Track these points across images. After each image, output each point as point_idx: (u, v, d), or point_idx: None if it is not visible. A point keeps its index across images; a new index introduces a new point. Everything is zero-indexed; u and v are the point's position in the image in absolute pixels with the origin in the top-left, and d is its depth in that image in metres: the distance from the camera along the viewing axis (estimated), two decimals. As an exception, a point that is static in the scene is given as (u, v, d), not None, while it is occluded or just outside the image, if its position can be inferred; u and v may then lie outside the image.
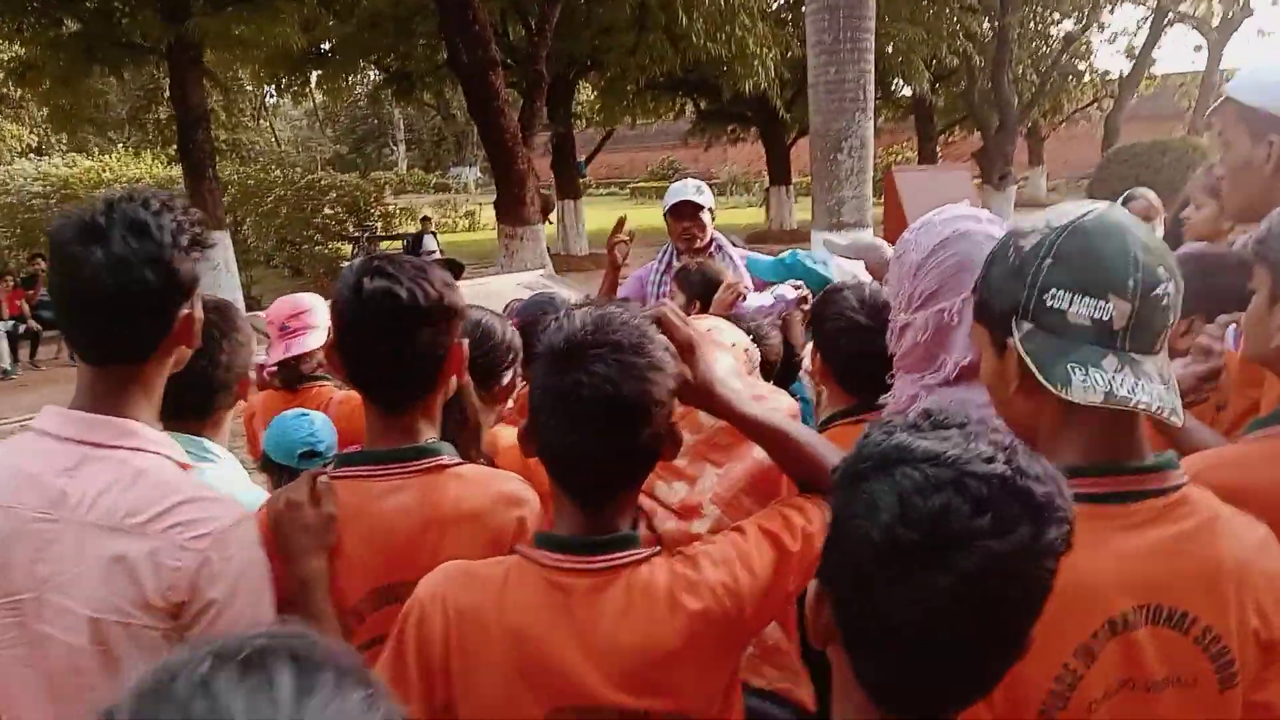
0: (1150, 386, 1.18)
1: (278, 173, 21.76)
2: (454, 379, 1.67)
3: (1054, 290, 1.19)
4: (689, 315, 3.10)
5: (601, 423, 1.30)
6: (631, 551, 1.37)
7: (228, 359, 1.95)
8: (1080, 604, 1.16)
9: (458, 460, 1.64)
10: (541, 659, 1.33)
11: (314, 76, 19.63)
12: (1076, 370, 1.17)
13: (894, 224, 14.63)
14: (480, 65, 13.03)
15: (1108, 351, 1.18)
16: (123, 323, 1.46)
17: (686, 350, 1.45)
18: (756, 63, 16.17)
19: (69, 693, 1.45)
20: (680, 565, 1.39)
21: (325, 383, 3.23)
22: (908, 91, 23.10)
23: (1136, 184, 6.23)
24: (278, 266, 19.58)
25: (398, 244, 19.76)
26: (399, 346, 1.56)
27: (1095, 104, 27.32)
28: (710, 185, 4.44)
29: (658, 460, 1.41)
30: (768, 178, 25.61)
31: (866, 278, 3.96)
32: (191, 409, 1.93)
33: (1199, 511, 1.23)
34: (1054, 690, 1.17)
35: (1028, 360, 1.21)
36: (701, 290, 3.45)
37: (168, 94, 14.37)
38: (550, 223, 17.87)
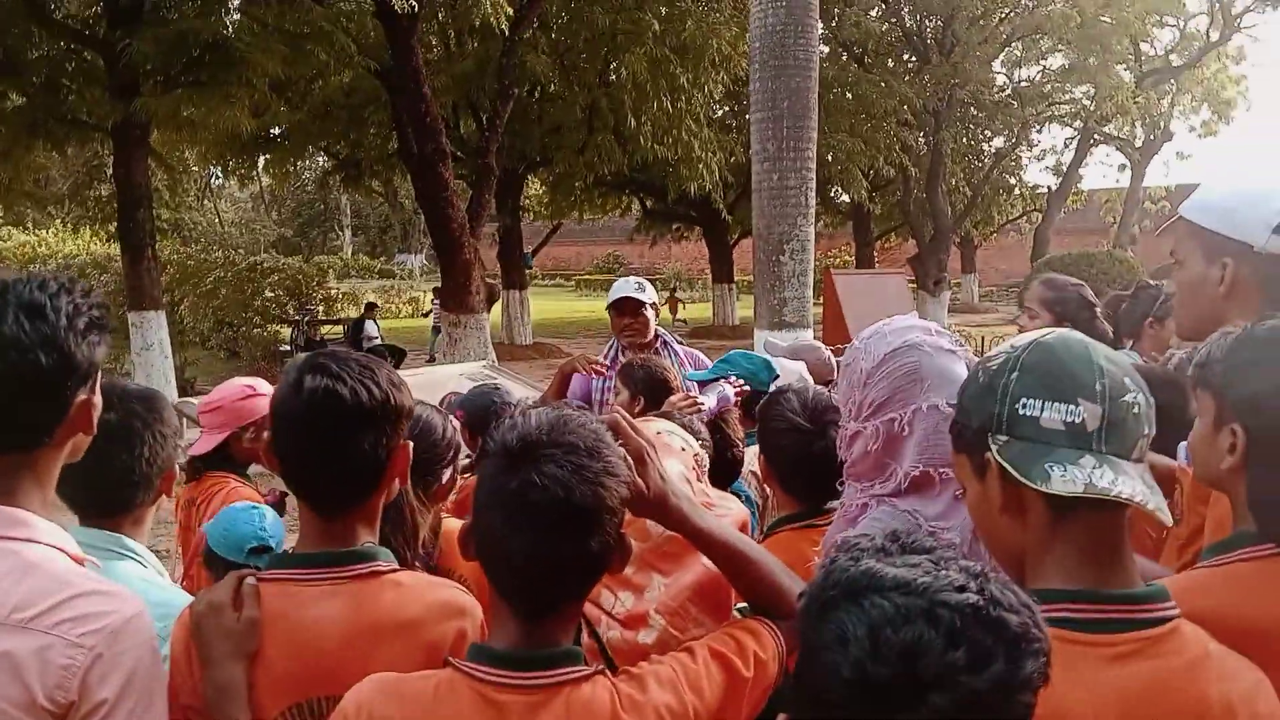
0: (1131, 482, 1.18)
1: (219, 254, 21.56)
2: (396, 482, 1.61)
3: (1024, 400, 1.21)
4: (633, 411, 3.10)
5: (551, 526, 1.25)
6: (573, 669, 1.31)
7: (150, 452, 1.86)
8: None
9: (394, 566, 1.56)
10: None
11: (262, 160, 19.62)
12: (1054, 468, 1.18)
13: (832, 324, 14.90)
14: (431, 157, 13.15)
15: (1084, 452, 1.19)
16: (13, 408, 1.39)
17: (639, 460, 1.41)
18: (701, 166, 16.57)
19: None
20: (625, 685, 1.33)
21: (228, 475, 3.05)
22: (846, 199, 23.80)
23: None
24: (214, 348, 19.23)
25: (338, 329, 19.57)
26: (339, 449, 1.50)
27: (1025, 216, 28.37)
28: (654, 281, 4.48)
29: (604, 572, 1.36)
30: (710, 275, 26.02)
31: (809, 376, 4.00)
32: (110, 504, 1.84)
33: (1189, 648, 1.20)
34: None
35: (1006, 466, 1.21)
36: (646, 386, 3.44)
37: (110, 171, 14.25)
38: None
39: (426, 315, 18.50)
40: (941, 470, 1.73)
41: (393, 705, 1.30)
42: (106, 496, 1.83)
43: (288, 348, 18.83)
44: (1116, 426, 1.20)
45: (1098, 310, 3.40)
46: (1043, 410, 1.21)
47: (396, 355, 17.35)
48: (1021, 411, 1.22)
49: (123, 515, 1.87)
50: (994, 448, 1.23)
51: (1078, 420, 1.20)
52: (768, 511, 2.90)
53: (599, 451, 1.30)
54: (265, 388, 3.16)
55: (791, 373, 3.94)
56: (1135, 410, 1.22)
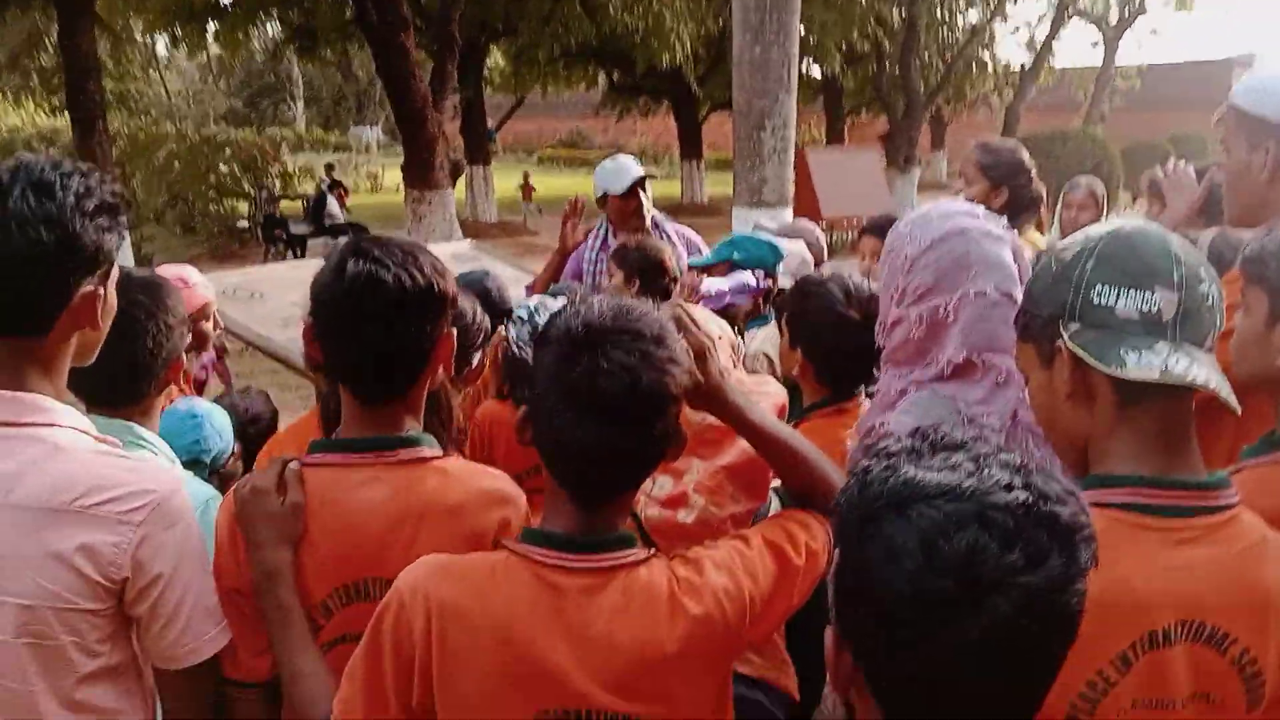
0: (1206, 370, 1.17)
1: (170, 126, 20.77)
2: (440, 370, 1.56)
3: (1100, 286, 1.20)
4: (628, 294, 3.04)
5: (617, 413, 1.23)
6: (630, 551, 1.31)
7: (154, 343, 1.80)
8: (1124, 614, 1.15)
9: (439, 453, 1.54)
10: (529, 658, 1.25)
11: (212, 28, 18.70)
12: (1130, 353, 1.17)
13: (805, 202, 14.78)
14: (391, 25, 12.62)
15: (1159, 339, 1.18)
16: (15, 287, 1.34)
17: (699, 354, 1.39)
18: (673, 37, 16.08)
19: None
20: (682, 568, 1.33)
21: None
22: (818, 73, 23.31)
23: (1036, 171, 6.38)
24: (169, 224, 18.72)
25: (297, 204, 19.09)
26: (382, 336, 1.45)
27: (997, 93, 28.07)
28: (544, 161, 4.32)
29: (662, 460, 1.34)
30: (678, 151, 25.59)
31: (810, 258, 3.94)
32: (118, 394, 1.79)
33: (1248, 534, 1.22)
34: (1084, 694, 1.16)
35: (1079, 351, 1.20)
36: (640, 268, 3.37)
37: (54, 39, 13.53)
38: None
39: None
40: (984, 356, 1.71)
41: (448, 586, 1.29)
42: (113, 387, 1.78)
43: (245, 224, 18.39)
44: (1192, 315, 1.19)
45: (1033, 174, 3.36)
46: (1118, 298, 1.20)
47: (359, 232, 17.02)
48: (1096, 300, 1.21)
49: (131, 406, 1.83)
50: (1065, 335, 1.22)
51: (1154, 309, 1.19)
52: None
53: (664, 339, 1.28)
54: (196, 277, 3.07)
55: (794, 255, 3.88)
56: (1209, 301, 1.21)
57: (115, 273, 1.47)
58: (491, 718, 1.26)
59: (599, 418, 1.23)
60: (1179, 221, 3.19)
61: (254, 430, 2.79)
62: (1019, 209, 3.31)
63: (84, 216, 1.35)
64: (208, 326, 3.04)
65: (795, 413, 2.27)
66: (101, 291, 1.41)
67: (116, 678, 1.41)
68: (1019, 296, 1.72)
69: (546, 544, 1.30)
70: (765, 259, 3.46)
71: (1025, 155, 3.37)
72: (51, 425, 1.38)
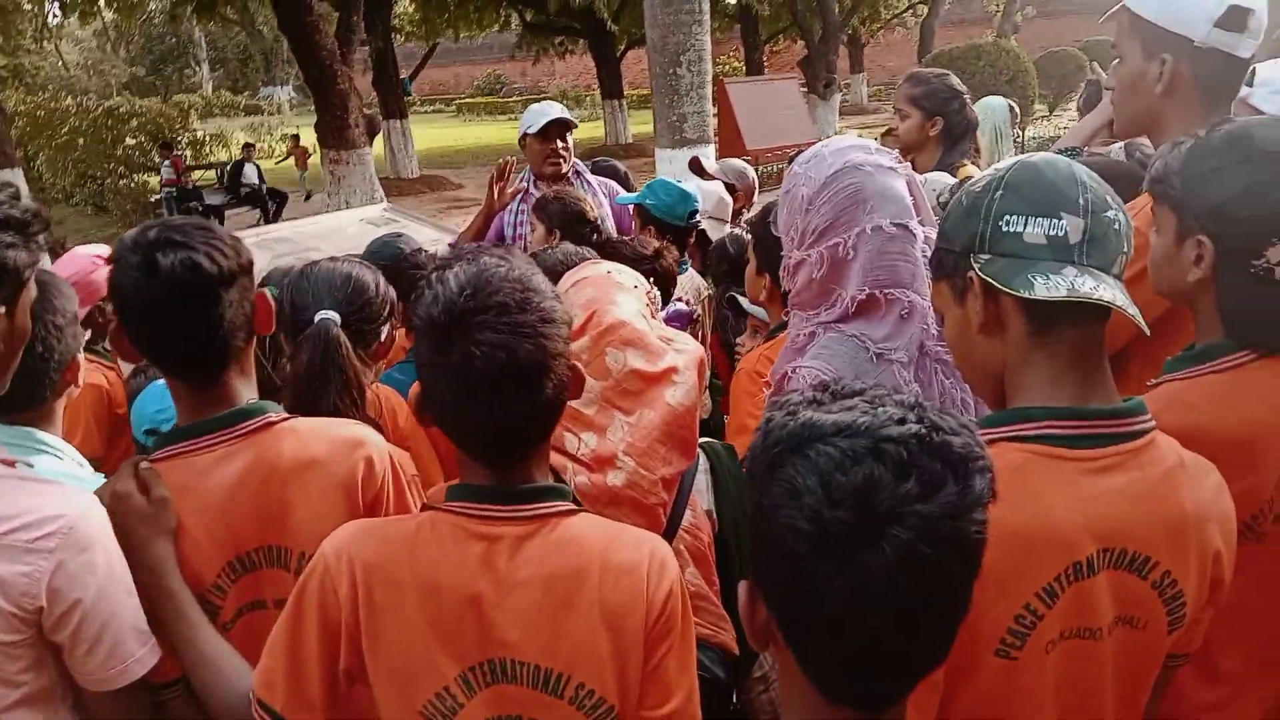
0: (1112, 290, 1.19)
1: (70, 101, 19.94)
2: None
3: (1008, 216, 1.23)
4: (548, 247, 3.02)
5: (501, 391, 1.22)
6: (560, 502, 1.31)
7: (44, 345, 1.74)
8: (1047, 547, 1.17)
9: (285, 415, 1.55)
10: (457, 612, 1.26)
11: (102, -8, 17.88)
12: (1037, 277, 1.19)
13: (728, 136, 14.71)
14: (290, -23, 12.16)
15: (1066, 264, 1.20)
16: None
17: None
18: (584, -29, 15.73)
19: None
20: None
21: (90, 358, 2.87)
22: (733, 0, 23.07)
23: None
24: (79, 204, 18.06)
25: (210, 174, 18.51)
26: (209, 320, 1.45)
27: (910, 10, 28.02)
28: (542, 99, 4.27)
29: (562, 407, 1.33)
30: (599, 91, 25.24)
31: (729, 199, 3.94)
32: (13, 402, 1.70)
33: (1165, 458, 1.25)
34: (1012, 629, 1.18)
35: (989, 280, 1.22)
36: (561, 220, 3.34)
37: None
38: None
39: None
40: (887, 291, 1.72)
41: (372, 547, 1.29)
42: (7, 394, 1.69)
43: (159, 197, 17.81)
44: (1098, 240, 1.21)
45: (966, 98, 3.37)
46: (1026, 225, 1.22)
47: (278, 199, 16.57)
48: (1005, 228, 1.23)
49: (29, 410, 1.77)
50: (976, 266, 1.24)
51: (1060, 234, 1.21)
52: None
53: (529, 302, 1.25)
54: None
55: (710, 194, 3.87)
56: (1116, 226, 1.23)
57: (29, 294, 1.40)
58: (420, 676, 1.27)
59: (486, 398, 1.22)
60: (1089, 134, 3.22)
61: None
62: (956, 136, 3.31)
63: None
64: None
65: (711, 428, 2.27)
66: (2, 311, 1.34)
67: (43, 702, 1.37)
68: (915, 229, 1.74)
69: (473, 497, 1.29)
70: (674, 208, 3.44)
71: (955, 81, 3.37)
72: None
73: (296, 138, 19.05)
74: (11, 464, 1.38)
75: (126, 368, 3.01)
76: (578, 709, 1.27)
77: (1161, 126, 1.87)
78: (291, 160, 19.50)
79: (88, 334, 2.57)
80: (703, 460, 1.77)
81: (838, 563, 0.84)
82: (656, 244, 2.81)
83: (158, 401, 2.34)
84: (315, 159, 18.24)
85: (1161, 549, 1.22)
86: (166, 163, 16.34)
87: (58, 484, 1.42)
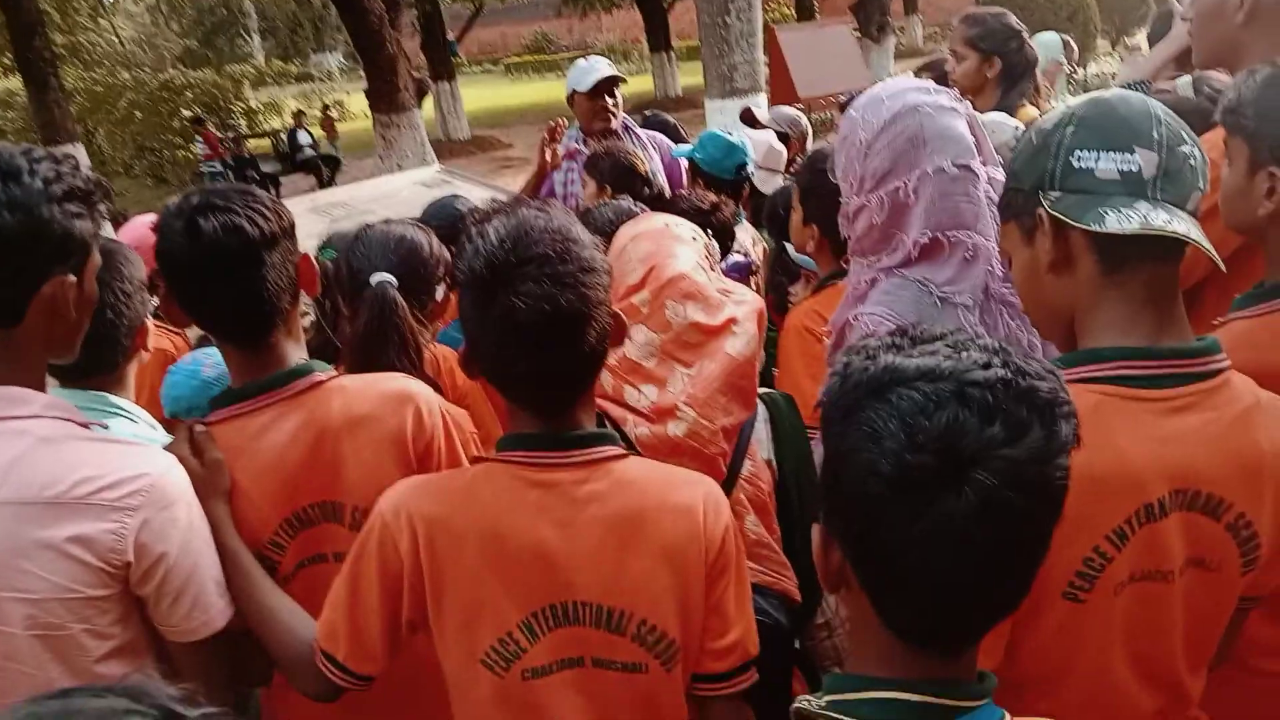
0: (1186, 224, 1.16)
1: (126, 75, 20.26)
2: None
3: (1079, 152, 1.19)
4: (601, 201, 3.01)
5: (545, 340, 1.24)
6: (610, 446, 1.34)
7: (114, 312, 1.79)
8: (1118, 488, 1.15)
9: (333, 374, 1.58)
10: (520, 558, 1.28)
11: (153, -35, 18.10)
12: (1109, 211, 1.16)
13: (780, 84, 14.47)
14: (336, -59, 12.16)
15: (1140, 199, 1.17)
16: None
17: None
18: (628, -77, 15.50)
19: (7, 683, 1.35)
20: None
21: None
22: (781, -55, 22.59)
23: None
24: (139, 176, 18.42)
25: (265, 142, 18.73)
26: (253, 283, 1.48)
27: (966, -53, 27.19)
28: (589, 56, 4.25)
29: (605, 356, 1.35)
30: (647, 45, 24.96)
31: (780, 148, 3.88)
32: (87, 367, 1.76)
33: (1241, 398, 1.21)
34: (1081, 572, 1.17)
35: (1059, 215, 1.19)
36: (613, 176, 3.33)
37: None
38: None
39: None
40: (950, 234, 1.69)
41: (430, 500, 1.32)
42: (80, 360, 1.73)
43: (208, 170, 18.09)
44: (1173, 176, 1.17)
45: (1024, 36, 3.27)
46: (1098, 160, 1.18)
47: (331, 164, 16.74)
48: (1076, 164, 1.20)
49: (102, 375, 1.82)
50: (1046, 203, 1.21)
51: (1134, 169, 1.17)
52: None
53: (569, 252, 1.26)
54: None
55: (760, 144, 3.82)
56: (1191, 162, 1.19)
57: (95, 262, 1.45)
58: (483, 623, 1.30)
59: (531, 348, 1.24)
60: (1157, 66, 3.10)
61: None
62: (1016, 76, 3.22)
63: (52, 202, 1.32)
64: None
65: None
66: (73, 279, 1.38)
67: (131, 655, 1.43)
68: (978, 168, 1.70)
69: (526, 445, 1.32)
70: (721, 161, 3.40)
71: (1013, 19, 3.27)
72: (34, 417, 1.36)
73: (326, 108, 19.06)
74: (86, 426, 1.42)
75: (193, 333, 3.07)
76: (640, 644, 1.30)
77: (1241, 57, 1.81)
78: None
79: (154, 300, 2.63)
80: (762, 410, 1.76)
81: (919, 506, 0.84)
82: (714, 198, 2.79)
83: (170, 386, 2.39)
84: (345, 126, 18.42)
85: (1236, 490, 1.19)
86: (199, 139, 16.34)
87: (138, 444, 1.46)
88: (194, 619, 1.43)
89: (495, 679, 1.30)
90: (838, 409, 0.91)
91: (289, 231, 1.53)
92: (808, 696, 0.94)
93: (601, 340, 1.30)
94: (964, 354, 0.88)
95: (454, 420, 1.61)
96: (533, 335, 1.23)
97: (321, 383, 1.55)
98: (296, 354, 1.58)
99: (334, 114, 19.47)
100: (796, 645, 1.82)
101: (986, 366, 0.86)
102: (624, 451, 1.35)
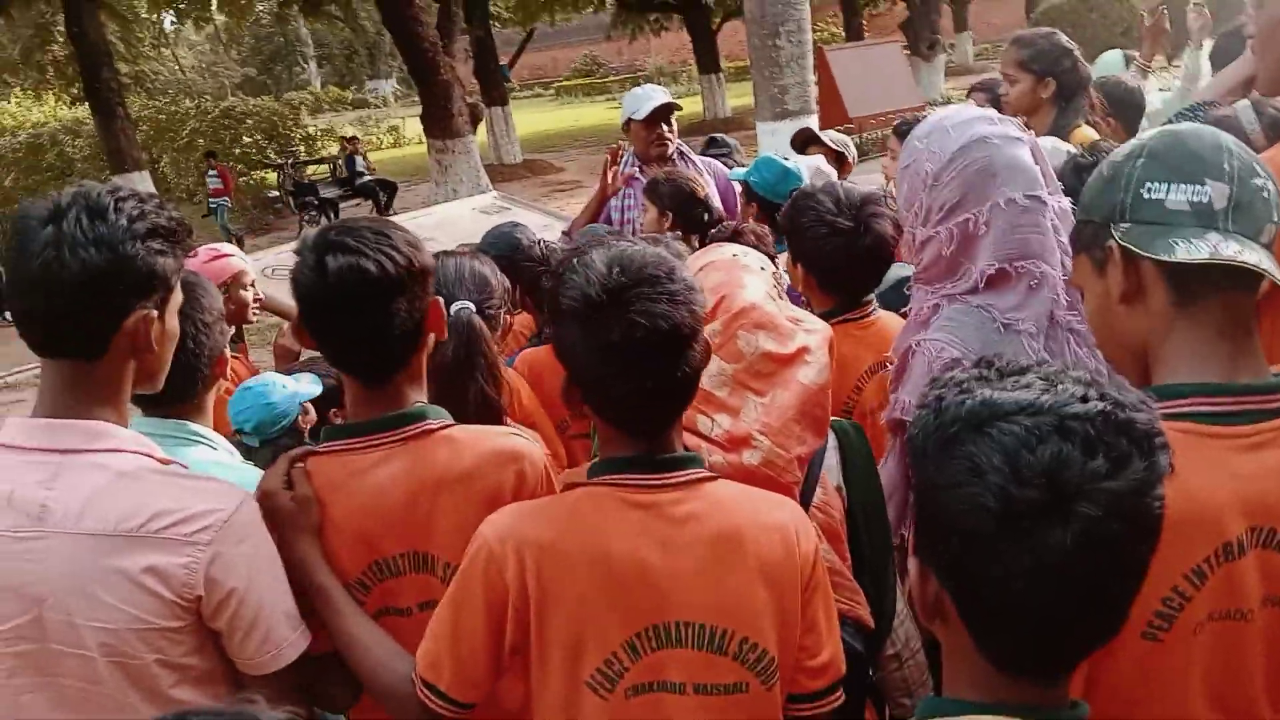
0: (1258, 254, 1.15)
1: (189, 104, 20.80)
2: (432, 335, 1.61)
3: (1149, 184, 1.20)
4: (663, 229, 3.02)
5: (663, 357, 1.29)
6: (701, 469, 1.38)
7: (195, 342, 1.83)
8: (1196, 527, 1.14)
9: (446, 423, 1.59)
10: (625, 579, 1.31)
11: (214, -2, 18.62)
12: (1179, 242, 1.16)
13: (830, 106, 14.44)
14: (391, -29, 12.42)
15: (1210, 230, 1.17)
16: (66, 309, 1.36)
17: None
18: (677, -53, 15.63)
19: (91, 707, 1.40)
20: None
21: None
22: (830, -35, 22.61)
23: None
24: (202, 203, 18.87)
25: (323, 168, 19.12)
26: (374, 322, 1.50)
27: (1017, -37, 26.96)
28: (638, 79, 4.29)
29: (699, 375, 1.40)
30: (696, 67, 25.08)
31: (829, 170, 3.88)
32: (169, 397, 1.80)
33: None
34: (1160, 611, 1.16)
35: (1129, 246, 1.19)
36: (674, 202, 3.35)
37: (61, 28, 13.54)
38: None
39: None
40: (1018, 264, 1.69)
41: (535, 526, 1.35)
42: (163, 390, 1.80)
43: (276, 193, 18.47)
44: (1244, 208, 1.17)
45: (1077, 55, 3.21)
46: (1168, 192, 1.19)
47: (388, 189, 17.03)
48: (1146, 195, 1.20)
49: (183, 404, 1.86)
50: (1116, 234, 1.21)
51: (1204, 200, 1.17)
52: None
53: (675, 272, 1.32)
54: (228, 248, 3.18)
55: (809, 168, 3.81)
56: (1265, 194, 1.18)
57: (176, 298, 1.50)
58: (589, 646, 1.32)
59: (646, 367, 1.28)
60: (1228, 87, 3.02)
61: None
62: (1071, 94, 3.16)
63: (136, 240, 1.37)
64: (245, 295, 3.10)
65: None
66: (155, 314, 1.43)
67: (207, 682, 1.46)
68: (1047, 199, 1.70)
69: (625, 469, 1.35)
70: (775, 186, 3.40)
71: (1063, 38, 3.22)
72: (114, 450, 1.41)
73: (354, 139, 19.12)
74: (165, 462, 1.47)
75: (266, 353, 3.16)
76: (741, 663, 1.32)
77: None
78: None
79: (231, 329, 2.72)
80: (831, 438, 1.77)
81: (1024, 540, 0.85)
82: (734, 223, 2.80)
83: (236, 404, 2.53)
84: (399, 151, 18.29)
85: None
86: (212, 172, 15.53)
87: (213, 479, 1.50)
88: (265, 652, 1.45)
89: (600, 701, 1.33)
90: (934, 442, 0.92)
91: (420, 275, 1.53)
92: None
93: (705, 358, 1.36)
94: (1060, 386, 0.89)
95: (551, 472, 1.62)
96: (652, 353, 1.28)
97: (432, 430, 1.55)
98: (415, 396, 1.58)
99: (359, 144, 19.38)
100: (870, 674, 1.82)
101: (1085, 400, 0.87)
102: (712, 474, 1.39)
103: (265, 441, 2.51)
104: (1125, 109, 3.55)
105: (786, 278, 1.93)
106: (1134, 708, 1.19)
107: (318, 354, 1.68)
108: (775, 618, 1.34)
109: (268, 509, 1.50)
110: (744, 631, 1.32)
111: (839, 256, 2.23)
